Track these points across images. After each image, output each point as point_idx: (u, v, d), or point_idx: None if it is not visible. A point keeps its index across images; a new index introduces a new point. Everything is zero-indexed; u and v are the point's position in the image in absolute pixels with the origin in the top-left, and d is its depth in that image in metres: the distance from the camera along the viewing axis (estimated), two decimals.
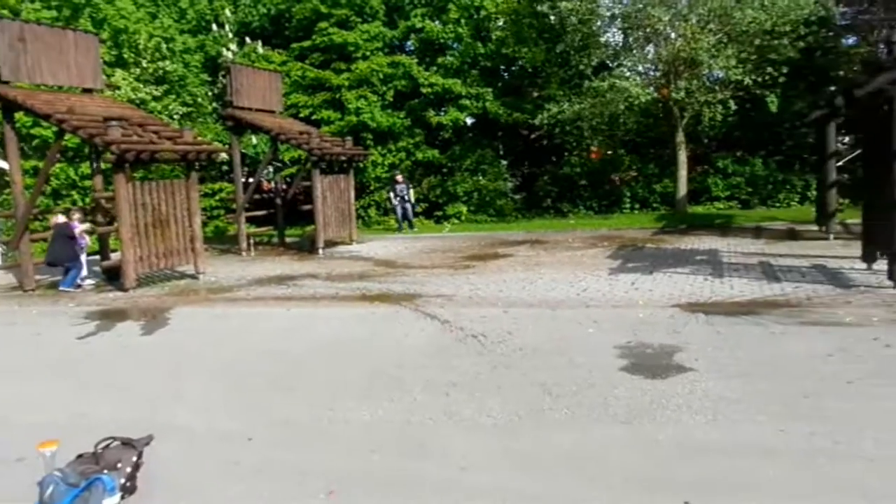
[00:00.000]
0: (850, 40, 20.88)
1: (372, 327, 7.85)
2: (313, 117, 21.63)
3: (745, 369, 5.39)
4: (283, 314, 8.83)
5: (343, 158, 16.80)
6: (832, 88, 16.11)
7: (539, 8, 19.55)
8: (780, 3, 17.54)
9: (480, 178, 22.07)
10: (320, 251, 15.04)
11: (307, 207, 16.65)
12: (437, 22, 22.62)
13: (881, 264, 8.79)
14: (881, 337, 6.03)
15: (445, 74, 22.00)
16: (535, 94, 22.32)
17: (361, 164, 20.84)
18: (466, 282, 10.43)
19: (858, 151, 16.42)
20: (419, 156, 22.42)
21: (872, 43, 19.49)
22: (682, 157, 19.52)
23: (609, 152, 22.98)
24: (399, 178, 20.16)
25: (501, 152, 24.69)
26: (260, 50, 23.72)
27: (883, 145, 8.23)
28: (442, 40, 22.55)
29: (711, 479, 3.65)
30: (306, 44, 22.87)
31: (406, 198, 20.00)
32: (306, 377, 5.94)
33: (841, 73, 20.20)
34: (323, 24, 22.33)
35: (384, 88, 22.20)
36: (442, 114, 22.52)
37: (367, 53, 22.34)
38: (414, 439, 4.44)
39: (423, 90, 21.78)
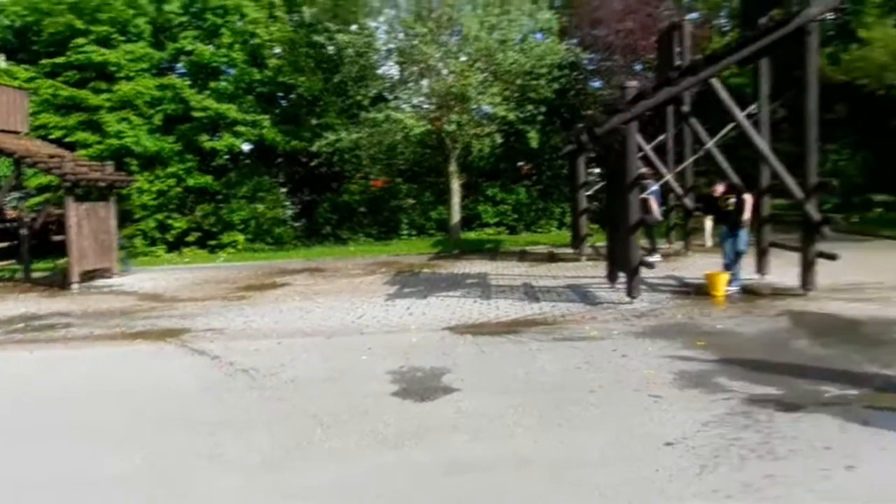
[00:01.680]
0: (597, 83, 23.45)
1: (132, 367, 7.25)
2: (67, 140, 19.68)
3: (505, 386, 5.74)
4: (24, 358, 7.85)
5: (102, 184, 15.45)
6: (578, 126, 17.93)
7: (316, 38, 19.63)
8: (537, 48, 19.32)
9: (258, 205, 21.44)
10: (75, 286, 13.61)
11: (60, 238, 15.02)
12: (209, 45, 21.71)
13: (622, 282, 9.89)
14: (619, 348, 6.75)
15: (220, 99, 21.16)
16: (314, 122, 22.27)
17: (125, 191, 19.30)
18: (240, 313, 10.04)
19: (603, 183, 18.43)
20: (191, 182, 21.27)
21: (614, 86, 22.05)
22: (455, 185, 20.57)
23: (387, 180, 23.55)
24: None
25: (281, 179, 24.26)
26: (2, 64, 21.11)
27: (620, 178, 9.30)
28: (215, 64, 21.66)
29: (471, 496, 3.80)
30: (59, 60, 20.68)
31: None
32: (49, 428, 5.29)
33: (589, 112, 22.59)
34: (79, 41, 20.41)
35: (151, 111, 20.80)
36: (216, 139, 21.59)
37: (132, 74, 20.82)
38: (173, 486, 4.14)
39: (196, 114, 20.74)
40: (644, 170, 11.25)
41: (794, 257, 9.62)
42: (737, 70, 17.15)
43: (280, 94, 23.58)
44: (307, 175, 24.89)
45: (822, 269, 8.99)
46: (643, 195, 11.76)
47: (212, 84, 21.59)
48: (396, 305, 10.04)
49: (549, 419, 4.89)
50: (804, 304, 8.45)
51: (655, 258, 12.73)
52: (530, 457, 4.24)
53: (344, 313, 9.60)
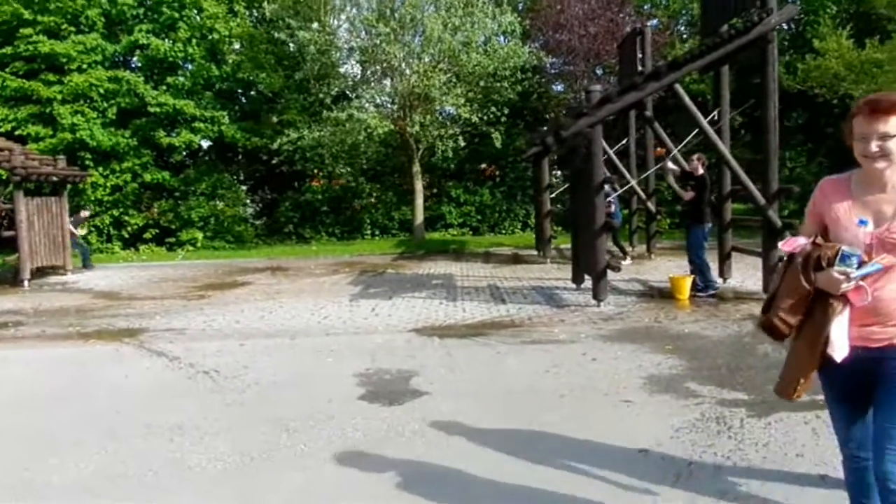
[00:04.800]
0: (559, 87, 23.62)
1: (86, 369, 6.97)
2: (17, 133, 19.01)
3: (474, 389, 5.66)
4: None
5: (55, 179, 14.97)
6: (544, 129, 18.01)
7: (277, 35, 19.35)
8: (500, 50, 19.37)
9: (218, 203, 21.02)
10: (26, 283, 13.15)
11: (10, 234, 14.46)
12: (165, 40, 21.16)
13: (588, 284, 9.91)
14: (588, 352, 6.73)
15: (177, 95, 20.65)
16: (275, 120, 21.97)
17: (80, 186, 18.76)
18: (200, 313, 9.78)
19: (568, 185, 18.54)
20: (147, 178, 20.78)
21: (576, 90, 22.23)
22: (419, 186, 20.49)
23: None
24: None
25: (241, 177, 23.84)
26: None
27: (586, 181, 9.32)
28: (171, 59, 21.11)
29: None
30: (7, 51, 19.97)
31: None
32: None
33: (552, 115, 22.74)
34: (27, 31, 19.69)
35: (105, 105, 20.22)
36: (174, 135, 21.10)
37: (84, 66, 20.18)
38: (130, 496, 3.95)
39: (152, 109, 20.21)
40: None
41: (755, 261, 9.79)
42: (696, 77, 17.49)
43: (240, 90, 23.18)
44: (268, 173, 24.53)
45: None
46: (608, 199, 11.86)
47: (169, 79, 21.06)
48: (361, 306, 9.90)
49: (519, 425, 4.81)
50: None
51: (627, 262, 12.87)
52: (503, 464, 4.16)
53: (308, 314, 9.42)
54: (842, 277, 2.29)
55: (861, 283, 2.30)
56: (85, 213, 18.01)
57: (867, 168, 2.38)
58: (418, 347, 7.22)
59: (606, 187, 12.46)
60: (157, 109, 20.20)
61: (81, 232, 17.09)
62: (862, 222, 2.38)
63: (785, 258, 2.56)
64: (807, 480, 3.76)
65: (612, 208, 13.31)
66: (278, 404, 5.44)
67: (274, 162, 23.77)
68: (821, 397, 5.07)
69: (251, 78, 21.11)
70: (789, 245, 2.51)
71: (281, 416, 5.10)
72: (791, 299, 2.46)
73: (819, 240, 2.46)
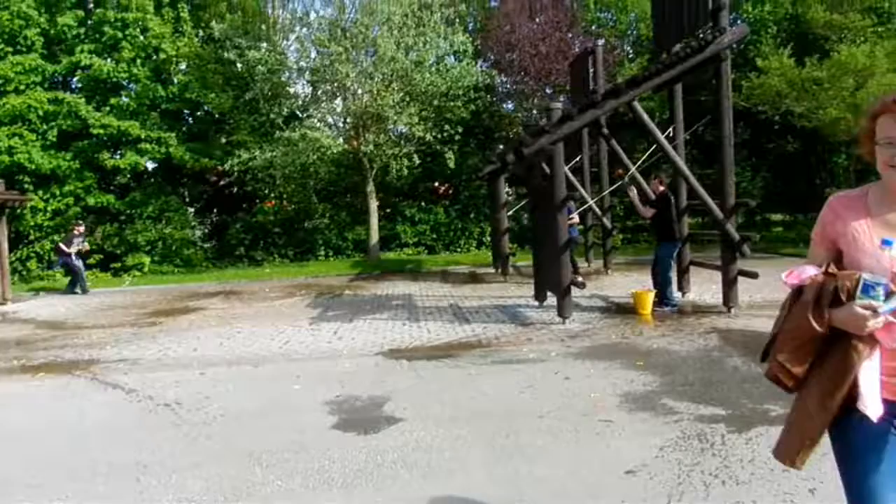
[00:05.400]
0: (510, 105, 23.81)
1: (36, 405, 6.58)
2: None
3: (450, 413, 5.53)
4: None
5: None
6: (501, 147, 18.11)
7: (225, 55, 19.02)
8: (453, 70, 19.45)
9: (165, 226, 20.42)
10: None
11: None
12: (108, 60, 20.55)
13: (550, 302, 9.90)
14: (560, 370, 6.68)
15: (121, 116, 20.03)
16: (224, 141, 21.54)
17: (18, 211, 18.00)
18: (153, 342, 9.40)
19: (524, 202, 18.65)
20: (91, 201, 20.07)
21: (527, 108, 22.47)
22: (373, 205, 20.32)
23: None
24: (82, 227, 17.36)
25: (187, 199, 23.25)
26: None
27: (548, 198, 9.33)
28: (115, 79, 20.50)
29: None
30: None
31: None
32: None
33: (504, 133, 22.92)
34: None
35: (45, 127, 19.51)
36: (118, 157, 20.46)
37: (22, 87, 19.47)
38: None
39: (95, 131, 19.54)
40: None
41: (712, 275, 9.94)
42: (644, 95, 17.87)
43: (187, 111, 22.65)
44: (217, 194, 24.03)
45: (738, 286, 9.30)
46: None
47: (112, 100, 20.44)
48: (323, 330, 9.67)
49: (501, 450, 4.70)
50: (729, 322, 8.68)
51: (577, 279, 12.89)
52: (489, 493, 4.03)
53: (268, 339, 9.15)
54: (867, 312, 1.86)
55: (891, 318, 1.89)
56: (80, 229, 16.81)
57: (890, 180, 1.99)
58: (387, 371, 7.05)
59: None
60: (101, 131, 19.55)
61: (75, 250, 16.21)
62: (886, 243, 1.98)
63: (790, 294, 2.14)
64: (797, 496, 3.75)
65: (575, 218, 13.48)
66: (248, 437, 5.21)
67: (223, 183, 23.33)
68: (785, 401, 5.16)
69: (199, 98, 20.67)
70: (795, 276, 2.09)
71: (252, 450, 4.88)
72: (795, 342, 2.04)
73: (832, 268, 2.04)
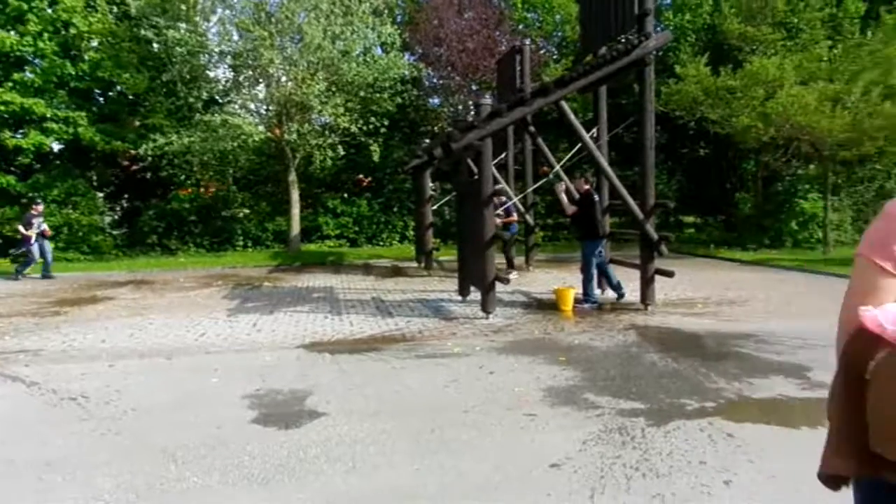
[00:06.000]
0: (435, 100, 23.81)
1: None
2: None
3: (374, 408, 5.45)
4: None
5: None
6: (428, 141, 18.06)
7: (142, 33, 18.18)
8: (380, 61, 19.26)
9: (71, 211, 19.36)
10: None
11: None
12: (12, 32, 19.26)
13: (475, 296, 9.94)
14: (485, 365, 6.70)
15: (24, 92, 18.83)
16: (138, 123, 20.61)
17: None
18: (58, 332, 8.89)
19: (448, 197, 18.68)
20: None
21: (452, 104, 22.52)
22: (295, 196, 19.91)
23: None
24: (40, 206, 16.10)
25: (96, 183, 22.13)
26: None
27: (474, 194, 9.35)
28: (18, 53, 19.22)
29: None
30: None
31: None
32: None
33: (430, 127, 22.90)
34: None
35: None
36: (20, 136, 19.24)
37: None
38: None
39: None
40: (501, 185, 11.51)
41: (630, 273, 10.21)
42: (568, 96, 18.22)
43: (98, 90, 21.50)
44: (129, 180, 22.98)
45: (655, 284, 9.60)
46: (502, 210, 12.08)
47: (16, 75, 19.17)
48: (241, 321, 9.38)
49: (426, 444, 4.66)
50: (647, 319, 8.94)
51: (514, 275, 13.10)
52: (414, 488, 3.98)
53: (183, 330, 8.80)
54: None
55: None
56: (38, 208, 15.68)
57: None
58: (309, 365, 6.89)
59: (503, 196, 12.84)
60: (2, 108, 18.35)
61: (34, 233, 15.20)
62: None
63: (846, 353, 1.55)
64: (713, 487, 3.86)
65: (514, 216, 13.65)
66: (161, 432, 4.97)
67: (136, 168, 22.34)
68: (710, 404, 5.35)
69: (112, 77, 19.65)
70: (879, 322, 1.46)
71: (166, 446, 4.66)
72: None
73: None
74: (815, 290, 11.28)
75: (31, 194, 19.26)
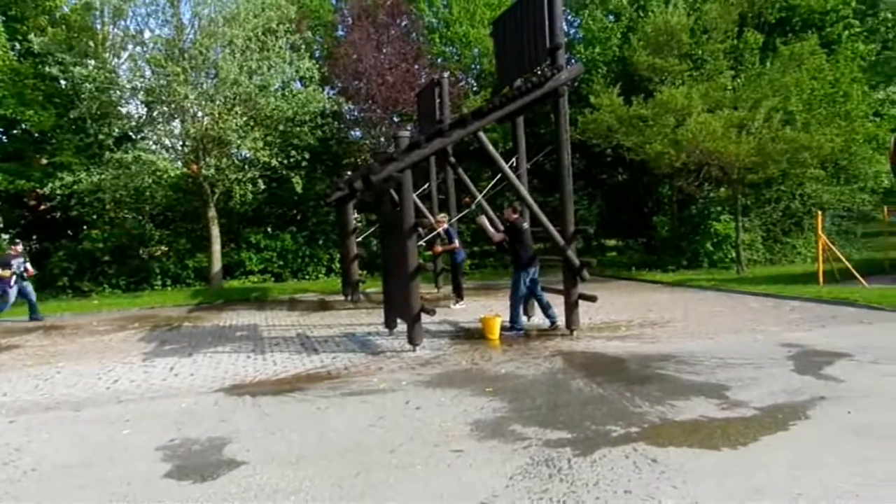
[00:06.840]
0: (357, 133, 23.77)
1: None
2: None
3: (297, 453, 5.25)
4: None
5: None
6: (349, 173, 17.94)
7: (47, 70, 17.48)
8: (300, 95, 19.12)
9: None
10: None
11: None
12: None
13: (401, 329, 9.82)
14: (411, 400, 6.58)
15: None
16: (45, 162, 19.72)
17: None
18: None
19: (373, 229, 18.57)
20: None
21: (374, 136, 22.52)
22: (216, 231, 19.39)
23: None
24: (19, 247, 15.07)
25: (1, 224, 20.99)
26: None
27: (397, 225, 9.30)
28: None
29: None
30: None
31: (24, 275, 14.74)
32: None
33: (353, 160, 22.80)
34: None
35: None
36: None
37: None
38: None
39: None
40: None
41: (554, 299, 10.32)
42: (487, 127, 18.51)
43: (1, 129, 20.52)
44: (37, 220, 21.89)
45: (580, 309, 9.73)
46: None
47: None
48: (157, 366, 8.96)
49: (350, 489, 4.51)
50: (572, 345, 9.02)
51: (461, 304, 13.22)
52: None
53: (93, 379, 8.32)
54: None
55: None
56: (17, 248, 14.73)
57: None
58: (229, 410, 6.61)
59: (445, 225, 12.97)
60: None
61: (11, 273, 14.25)
62: None
63: None
64: None
65: (456, 243, 13.66)
66: (64, 494, 4.64)
67: (43, 207, 21.32)
68: (634, 429, 5.39)
69: (15, 115, 18.78)
70: None
71: None
72: None
73: None
74: (730, 309, 11.68)
75: None
